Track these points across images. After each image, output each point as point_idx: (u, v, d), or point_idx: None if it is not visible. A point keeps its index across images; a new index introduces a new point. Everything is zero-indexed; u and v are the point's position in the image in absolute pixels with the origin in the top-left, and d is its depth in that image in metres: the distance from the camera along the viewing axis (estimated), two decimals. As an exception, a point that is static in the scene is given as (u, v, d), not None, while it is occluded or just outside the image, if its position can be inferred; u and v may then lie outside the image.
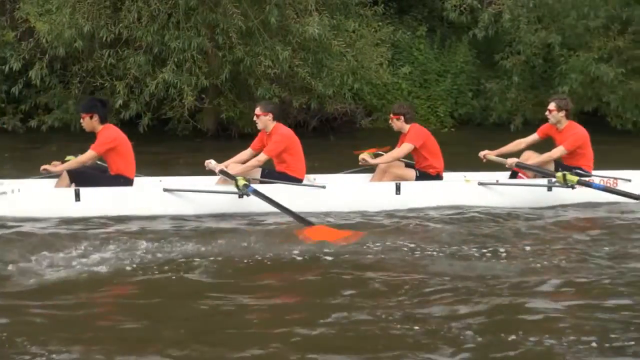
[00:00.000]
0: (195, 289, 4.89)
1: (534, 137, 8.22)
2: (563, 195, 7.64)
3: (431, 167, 7.87)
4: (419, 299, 4.66)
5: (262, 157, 7.48)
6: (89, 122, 7.41)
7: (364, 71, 13.72)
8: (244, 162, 7.58)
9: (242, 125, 13.14)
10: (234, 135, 13.47)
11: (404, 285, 4.95)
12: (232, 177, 7.13)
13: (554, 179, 7.63)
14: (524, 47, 14.45)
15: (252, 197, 6.91)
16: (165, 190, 7.22)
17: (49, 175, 7.36)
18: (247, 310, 4.57)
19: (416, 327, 4.19)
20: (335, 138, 13.74)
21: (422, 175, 7.87)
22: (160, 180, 7.73)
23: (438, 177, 7.92)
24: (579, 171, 7.82)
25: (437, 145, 7.93)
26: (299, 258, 5.65)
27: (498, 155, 8.09)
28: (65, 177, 7.25)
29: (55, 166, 7.30)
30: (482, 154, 8.16)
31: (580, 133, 8.00)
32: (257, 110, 7.66)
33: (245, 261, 5.54)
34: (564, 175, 7.54)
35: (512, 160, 7.88)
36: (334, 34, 13.08)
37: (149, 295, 4.76)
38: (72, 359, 3.84)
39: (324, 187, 7.42)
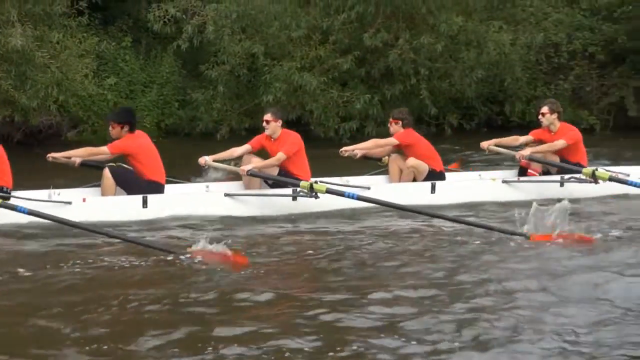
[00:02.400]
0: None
1: (528, 137, 11.02)
2: (574, 191, 10.39)
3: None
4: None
5: (282, 156, 9.78)
6: (118, 132, 9.28)
7: (69, 83, 16.05)
8: (237, 157, 9.88)
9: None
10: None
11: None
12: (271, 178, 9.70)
13: (581, 175, 10.25)
14: (229, 57, 17.92)
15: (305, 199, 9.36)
16: (226, 195, 9.52)
17: (93, 184, 9.36)
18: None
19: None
20: (40, 151, 15.81)
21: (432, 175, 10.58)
22: (207, 187, 9.96)
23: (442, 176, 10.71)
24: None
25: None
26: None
27: (497, 146, 10.86)
28: (109, 178, 9.16)
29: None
30: (483, 144, 10.88)
31: (575, 130, 10.94)
32: (268, 117, 10.06)
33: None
34: (594, 171, 10.11)
35: (523, 153, 10.51)
36: (38, 45, 15.27)
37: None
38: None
39: (368, 187, 9.97)
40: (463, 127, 19.98)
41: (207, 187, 10.00)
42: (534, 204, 8.13)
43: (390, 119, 10.83)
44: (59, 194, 9.19)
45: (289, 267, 7.23)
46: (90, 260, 7.22)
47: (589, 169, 10.23)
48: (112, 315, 5.72)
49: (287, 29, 17.75)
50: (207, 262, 7.04)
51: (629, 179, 10.34)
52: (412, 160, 10.51)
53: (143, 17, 18.60)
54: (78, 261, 7.15)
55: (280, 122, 10.14)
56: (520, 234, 7.95)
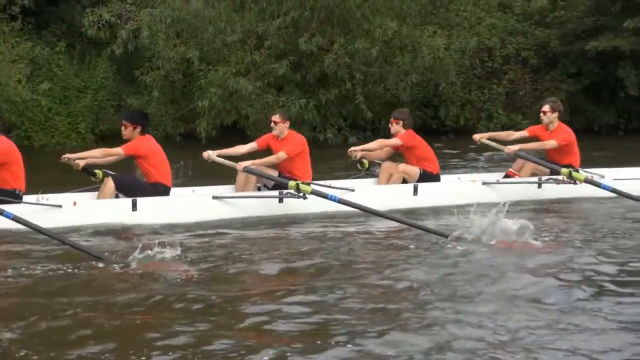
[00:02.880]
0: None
1: (523, 133, 11.72)
2: (551, 192, 11.05)
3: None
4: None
5: (283, 155, 10.43)
6: (130, 132, 9.74)
7: (1, 88, 16.68)
8: (241, 154, 10.46)
9: None
10: None
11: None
12: (270, 177, 10.18)
13: (558, 176, 10.87)
14: (164, 62, 18.66)
15: (291, 200, 9.80)
16: (214, 197, 9.94)
17: (90, 187, 9.65)
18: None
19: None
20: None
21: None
22: (193, 190, 10.38)
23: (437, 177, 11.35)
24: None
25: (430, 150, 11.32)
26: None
27: (490, 139, 11.49)
28: (110, 186, 9.52)
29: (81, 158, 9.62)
30: (476, 136, 11.53)
31: (570, 131, 11.56)
32: (276, 118, 10.75)
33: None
34: (570, 172, 10.61)
35: (512, 148, 11.14)
36: (-30, 51, 15.92)
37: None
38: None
39: (352, 190, 10.47)
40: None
41: (193, 190, 10.49)
42: (475, 206, 8.51)
43: (391, 119, 11.39)
44: (47, 199, 9.46)
45: (231, 271, 7.45)
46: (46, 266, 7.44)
47: (566, 170, 10.79)
48: (47, 322, 5.85)
49: (222, 33, 18.53)
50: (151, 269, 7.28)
51: (602, 181, 10.98)
52: (402, 166, 11.21)
53: (77, 22, 19.24)
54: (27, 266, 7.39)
55: (287, 123, 10.82)
56: (442, 234, 8.48)
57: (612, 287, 6.60)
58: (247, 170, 10.18)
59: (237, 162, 10.34)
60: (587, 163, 12.08)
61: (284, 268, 7.45)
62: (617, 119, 23.17)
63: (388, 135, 18.55)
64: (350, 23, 19.62)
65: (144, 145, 9.93)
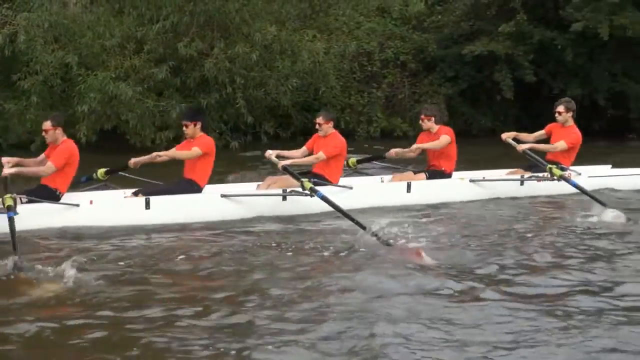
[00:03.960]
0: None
1: (541, 132, 13.66)
2: (534, 189, 13.00)
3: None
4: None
5: (322, 155, 11.95)
6: (192, 130, 11.25)
7: None
8: (295, 157, 12.04)
9: None
10: None
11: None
12: (298, 178, 11.19)
13: (539, 173, 12.79)
14: (42, 67, 20.05)
15: (296, 198, 11.22)
16: (222, 196, 11.28)
17: (97, 186, 11.36)
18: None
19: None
20: None
21: (434, 174, 12.91)
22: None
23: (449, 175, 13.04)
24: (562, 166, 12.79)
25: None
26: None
27: (513, 139, 13.18)
28: None
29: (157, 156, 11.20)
30: (503, 135, 13.30)
31: (579, 134, 13.38)
32: (320, 120, 12.31)
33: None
34: (550, 168, 12.40)
35: (523, 147, 12.87)
36: None
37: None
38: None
39: (351, 187, 11.98)
40: (279, 136, 23.00)
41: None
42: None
43: (422, 116, 13.19)
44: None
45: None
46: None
47: (550, 166, 12.53)
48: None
49: (100, 38, 19.97)
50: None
51: (573, 178, 12.61)
52: (419, 176, 12.95)
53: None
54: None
55: (331, 124, 12.43)
56: (362, 226, 9.74)
57: (488, 288, 7.69)
58: (283, 168, 11.59)
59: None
60: (466, 166, 14.07)
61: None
62: (494, 122, 25.75)
63: (272, 139, 20.56)
64: (229, 27, 21.31)
65: (211, 144, 11.58)
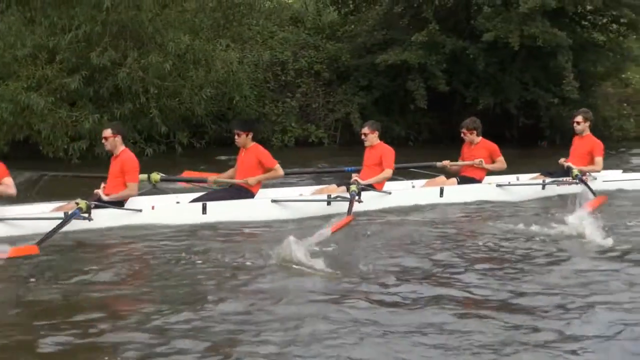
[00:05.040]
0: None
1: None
2: (554, 191, 14.74)
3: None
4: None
5: (389, 172, 13.39)
6: (244, 139, 12.20)
7: None
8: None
9: None
10: None
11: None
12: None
13: (561, 178, 14.66)
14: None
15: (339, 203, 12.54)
16: (273, 201, 12.52)
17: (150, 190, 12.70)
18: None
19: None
20: None
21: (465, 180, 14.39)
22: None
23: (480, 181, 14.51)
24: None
25: None
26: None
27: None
28: None
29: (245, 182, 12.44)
30: (561, 161, 14.87)
31: (601, 144, 14.99)
32: (366, 130, 13.58)
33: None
34: (575, 174, 14.31)
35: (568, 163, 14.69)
36: None
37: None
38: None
39: (389, 193, 13.37)
40: (193, 145, 23.78)
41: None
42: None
43: (464, 130, 14.61)
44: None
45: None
46: None
47: (575, 171, 14.55)
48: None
49: (12, 48, 20.50)
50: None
51: (591, 183, 14.44)
52: (451, 181, 14.41)
53: None
54: None
55: (377, 133, 13.66)
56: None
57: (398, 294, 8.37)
58: (356, 183, 13.04)
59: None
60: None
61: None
62: (407, 131, 26.92)
63: (187, 149, 21.17)
64: (143, 37, 21.98)
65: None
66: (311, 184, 15.01)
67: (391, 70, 25.95)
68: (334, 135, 26.18)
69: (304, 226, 11.60)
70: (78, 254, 9.98)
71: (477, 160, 14.45)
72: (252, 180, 12.55)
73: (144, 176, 12.90)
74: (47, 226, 10.67)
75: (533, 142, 26.91)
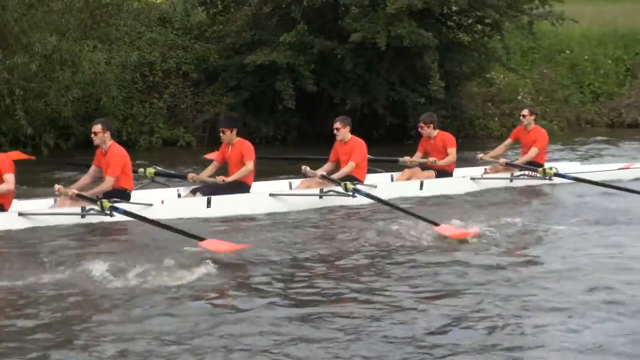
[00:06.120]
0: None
1: (509, 141, 17.58)
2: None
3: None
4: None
5: (353, 165, 15.07)
6: (229, 136, 13.43)
7: None
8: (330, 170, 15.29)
9: None
10: None
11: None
12: (339, 182, 14.59)
13: (526, 172, 16.65)
14: None
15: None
16: (270, 195, 14.27)
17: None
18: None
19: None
20: None
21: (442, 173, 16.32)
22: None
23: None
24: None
25: None
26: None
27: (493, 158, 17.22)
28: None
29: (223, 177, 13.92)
30: (481, 157, 17.13)
31: (546, 134, 17.27)
32: (337, 124, 15.16)
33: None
34: (544, 170, 16.35)
35: (503, 160, 16.98)
36: None
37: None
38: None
39: (375, 186, 15.02)
40: (60, 147, 24.27)
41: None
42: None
43: (422, 124, 16.60)
44: None
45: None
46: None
47: (541, 169, 16.77)
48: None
49: None
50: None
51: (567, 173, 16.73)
52: (427, 172, 16.26)
53: None
54: None
55: (348, 128, 15.31)
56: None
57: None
58: (322, 177, 14.95)
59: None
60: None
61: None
62: (276, 131, 27.89)
63: (53, 151, 21.80)
64: (8, 37, 22.39)
65: (253, 149, 14.44)
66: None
67: (260, 71, 26.75)
68: (202, 136, 26.92)
69: (299, 218, 13.82)
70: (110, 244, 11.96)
71: (431, 159, 16.23)
72: (228, 180, 14.04)
73: (142, 170, 14.81)
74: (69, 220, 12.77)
75: (400, 141, 28.08)
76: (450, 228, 12.27)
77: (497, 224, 12.93)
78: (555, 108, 33.05)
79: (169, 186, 15.12)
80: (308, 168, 15.10)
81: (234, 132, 14.35)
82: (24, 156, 13.88)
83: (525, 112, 17.61)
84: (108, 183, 13.21)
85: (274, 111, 27.72)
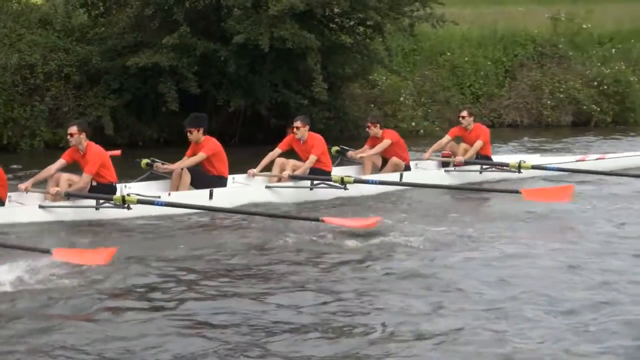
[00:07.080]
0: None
1: (447, 137, 19.17)
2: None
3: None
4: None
5: (314, 158, 16.66)
6: (196, 135, 14.38)
7: None
8: (271, 159, 16.96)
9: None
10: None
11: None
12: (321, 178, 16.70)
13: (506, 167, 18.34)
14: None
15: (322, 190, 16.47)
16: (267, 187, 16.03)
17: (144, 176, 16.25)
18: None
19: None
20: None
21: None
22: (234, 179, 16.74)
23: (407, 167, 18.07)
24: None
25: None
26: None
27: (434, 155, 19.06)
28: (187, 179, 14.47)
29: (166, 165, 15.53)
30: (425, 155, 18.87)
31: (488, 130, 18.98)
32: (298, 124, 16.78)
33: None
34: (519, 163, 17.96)
35: (459, 159, 18.42)
36: None
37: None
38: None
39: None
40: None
41: (233, 178, 16.93)
42: None
43: (369, 124, 18.38)
44: (129, 188, 15.44)
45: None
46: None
47: (514, 162, 18.50)
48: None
49: None
50: None
51: (548, 165, 19.15)
52: (394, 159, 17.96)
53: None
54: None
55: (307, 127, 17.05)
56: None
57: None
58: (292, 177, 16.55)
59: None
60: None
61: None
62: (160, 133, 28.51)
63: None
64: None
65: (217, 145, 15.56)
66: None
67: (142, 73, 27.31)
68: (86, 138, 27.30)
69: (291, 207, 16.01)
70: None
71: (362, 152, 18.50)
72: (181, 164, 15.70)
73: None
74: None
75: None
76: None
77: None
78: (437, 109, 34.30)
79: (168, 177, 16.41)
80: (255, 171, 16.93)
81: (201, 131, 15.64)
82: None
83: (464, 113, 19.24)
84: (86, 179, 14.46)
85: (157, 113, 28.30)
